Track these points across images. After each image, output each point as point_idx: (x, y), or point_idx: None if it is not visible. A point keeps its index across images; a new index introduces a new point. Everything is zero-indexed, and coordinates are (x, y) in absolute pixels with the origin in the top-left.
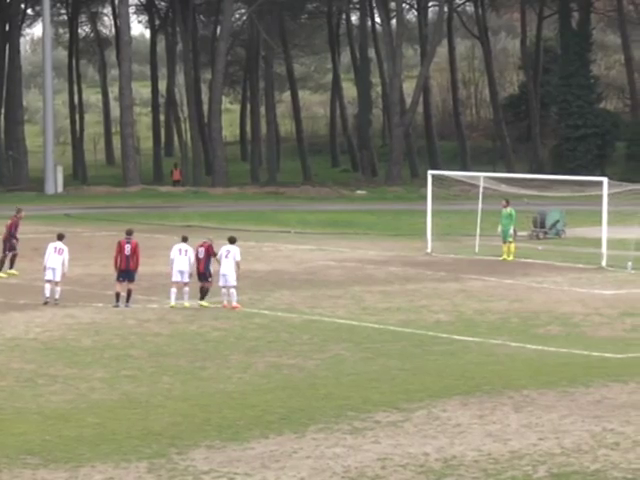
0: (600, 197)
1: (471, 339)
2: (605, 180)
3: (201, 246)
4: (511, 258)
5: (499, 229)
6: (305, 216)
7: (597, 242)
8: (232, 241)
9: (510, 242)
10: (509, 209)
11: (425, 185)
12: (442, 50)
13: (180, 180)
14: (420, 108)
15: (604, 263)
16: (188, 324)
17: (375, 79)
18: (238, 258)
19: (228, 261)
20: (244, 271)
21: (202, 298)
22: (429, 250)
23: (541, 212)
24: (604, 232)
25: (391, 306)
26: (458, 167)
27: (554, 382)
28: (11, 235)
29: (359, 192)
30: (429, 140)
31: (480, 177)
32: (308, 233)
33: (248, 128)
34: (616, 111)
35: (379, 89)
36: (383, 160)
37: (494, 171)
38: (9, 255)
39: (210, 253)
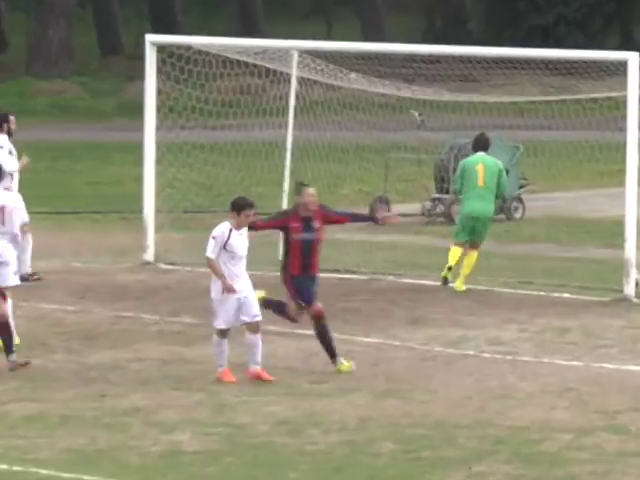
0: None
1: None
2: (636, 57)
3: None
4: (459, 286)
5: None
6: None
7: (613, 228)
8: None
9: (475, 243)
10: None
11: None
12: None
13: None
14: None
15: (630, 290)
16: None
17: None
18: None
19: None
20: None
21: None
22: (149, 255)
23: (460, 147)
24: (631, 204)
25: None
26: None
27: None
28: None
29: None
30: None
31: (293, 53)
32: None
33: None
34: None
35: None
36: None
37: (328, 36)
38: None
39: None
